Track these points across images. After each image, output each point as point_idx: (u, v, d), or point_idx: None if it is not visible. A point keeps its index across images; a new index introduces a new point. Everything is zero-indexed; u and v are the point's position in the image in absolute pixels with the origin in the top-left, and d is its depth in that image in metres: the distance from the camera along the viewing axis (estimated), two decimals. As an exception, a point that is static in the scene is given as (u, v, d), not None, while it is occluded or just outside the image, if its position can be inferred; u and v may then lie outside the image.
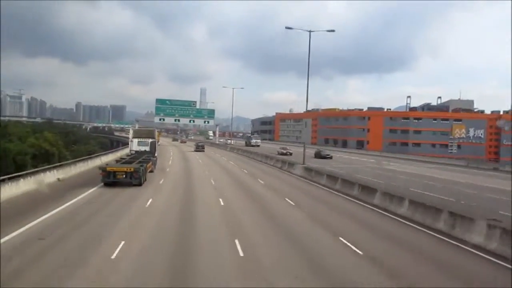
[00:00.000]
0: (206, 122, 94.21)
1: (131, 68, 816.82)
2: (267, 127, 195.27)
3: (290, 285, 10.97)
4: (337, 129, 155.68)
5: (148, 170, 31.11)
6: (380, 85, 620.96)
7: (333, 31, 47.10)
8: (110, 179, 25.99)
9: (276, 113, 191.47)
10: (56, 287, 10.05)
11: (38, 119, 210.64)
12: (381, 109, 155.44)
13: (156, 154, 40.08)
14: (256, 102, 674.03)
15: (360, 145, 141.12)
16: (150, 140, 40.26)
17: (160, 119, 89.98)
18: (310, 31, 42.06)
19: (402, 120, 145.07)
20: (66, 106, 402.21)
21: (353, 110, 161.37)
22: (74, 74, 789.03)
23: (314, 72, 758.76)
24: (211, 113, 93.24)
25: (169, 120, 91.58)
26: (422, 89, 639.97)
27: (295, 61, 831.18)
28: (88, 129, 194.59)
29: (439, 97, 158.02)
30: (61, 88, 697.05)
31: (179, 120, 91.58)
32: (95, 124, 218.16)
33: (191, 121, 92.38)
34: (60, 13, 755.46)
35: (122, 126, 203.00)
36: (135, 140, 40.17)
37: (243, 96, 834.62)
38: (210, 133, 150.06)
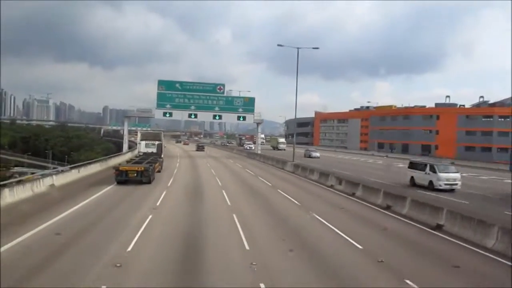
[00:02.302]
0: (241, 119, 51.76)
1: (158, 72, 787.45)
2: (304, 129, 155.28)
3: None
4: (395, 130, 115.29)
5: (156, 170, 30.21)
6: (409, 86, 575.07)
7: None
8: (123, 177, 25.67)
9: (316, 112, 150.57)
10: (62, 287, 9.12)
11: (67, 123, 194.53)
12: (453, 105, 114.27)
13: (162, 156, 38.01)
14: (280, 105, 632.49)
15: (426, 150, 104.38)
16: (157, 142, 39.09)
17: (165, 114, 50.64)
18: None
19: (483, 120, 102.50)
20: (93, 110, 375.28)
21: (413, 107, 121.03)
22: (102, 79, 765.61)
23: (337, 74, 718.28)
24: (249, 103, 51.86)
25: (180, 115, 51.98)
26: (455, 90, 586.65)
27: (319, 62, 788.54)
28: (102, 132, 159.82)
29: (481, 97, 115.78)
30: (90, 93, 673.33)
31: (195, 116, 51.18)
32: (110, 127, 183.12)
33: (216, 117, 51.59)
34: (88, 18, 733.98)
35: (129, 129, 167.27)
36: (143, 143, 39.37)
37: (267, 98, 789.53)
38: (281, 139, 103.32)
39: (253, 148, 75.43)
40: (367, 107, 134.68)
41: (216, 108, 50.95)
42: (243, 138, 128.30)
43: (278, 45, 41.97)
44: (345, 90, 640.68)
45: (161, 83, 50.02)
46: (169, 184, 27.02)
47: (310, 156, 61.57)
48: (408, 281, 9.89)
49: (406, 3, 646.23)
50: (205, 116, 53.00)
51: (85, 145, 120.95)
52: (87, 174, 30.35)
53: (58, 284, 9.22)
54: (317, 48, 45.48)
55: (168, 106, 49.58)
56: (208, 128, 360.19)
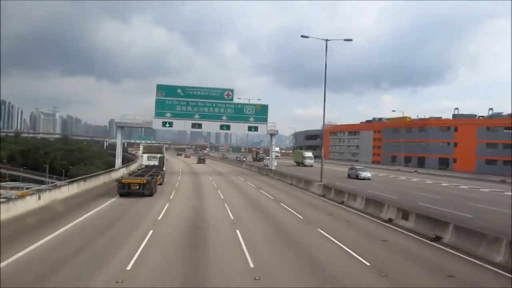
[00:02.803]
0: (252, 129, 44.13)
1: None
2: (313, 142, 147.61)
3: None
4: (410, 143, 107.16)
5: (158, 183, 29.87)
6: (415, 99, 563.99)
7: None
8: (125, 189, 25.38)
9: (326, 125, 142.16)
10: (67, 287, 9.19)
11: (69, 136, 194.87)
12: (471, 116, 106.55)
13: (164, 168, 37.51)
14: (287, 118, 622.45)
15: (444, 164, 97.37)
16: (159, 155, 38.78)
17: (165, 124, 42.85)
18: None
19: (505, 131, 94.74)
20: (100, 123, 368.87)
21: (429, 119, 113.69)
22: (108, 92, 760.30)
23: (344, 87, 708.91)
24: (261, 111, 44.13)
25: (182, 125, 43.63)
26: (461, 102, 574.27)
27: (328, 75, 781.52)
28: (105, 145, 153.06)
29: (491, 109, 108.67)
30: (96, 106, 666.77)
31: (200, 126, 43.55)
32: (114, 140, 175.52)
33: (224, 127, 43.93)
34: (95, 32, 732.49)
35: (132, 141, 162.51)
36: (145, 156, 39.00)
37: (274, 111, 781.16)
38: (308, 153, 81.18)
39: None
40: (379, 119, 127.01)
41: (224, 117, 43.09)
42: (261, 152, 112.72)
43: (302, 36, 34.03)
44: (352, 103, 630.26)
45: (160, 88, 42.34)
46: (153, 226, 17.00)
47: (358, 177, 45.35)
48: None
49: (412, 15, 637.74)
50: (211, 127, 44.82)
51: (86, 158, 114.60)
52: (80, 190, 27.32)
53: None
54: (350, 40, 35.00)
55: (168, 114, 41.93)
56: (213, 140, 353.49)
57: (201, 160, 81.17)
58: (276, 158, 63.74)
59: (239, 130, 46.25)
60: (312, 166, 70.56)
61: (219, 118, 43.36)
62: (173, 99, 42.51)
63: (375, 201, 21.71)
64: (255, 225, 17.81)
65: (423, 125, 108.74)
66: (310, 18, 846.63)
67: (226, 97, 43.29)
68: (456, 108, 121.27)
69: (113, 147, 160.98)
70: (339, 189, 28.16)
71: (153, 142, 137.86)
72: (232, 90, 44.13)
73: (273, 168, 49.59)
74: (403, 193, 31.45)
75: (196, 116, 42.47)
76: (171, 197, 26.79)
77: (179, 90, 42.70)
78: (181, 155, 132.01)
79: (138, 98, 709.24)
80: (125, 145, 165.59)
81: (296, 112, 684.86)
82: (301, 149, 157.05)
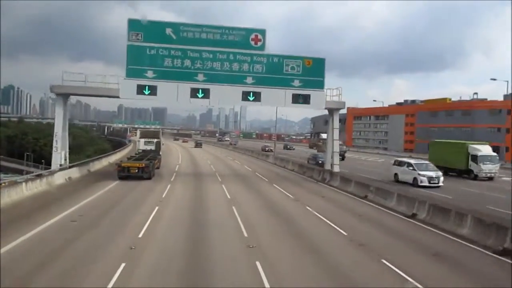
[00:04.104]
0: (300, 100, 23.04)
1: None
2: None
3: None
4: (451, 128, 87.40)
5: (155, 167, 28.78)
6: (428, 84, 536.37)
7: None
8: (125, 173, 24.66)
9: (348, 108, 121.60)
10: (67, 287, 8.54)
11: (77, 121, 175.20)
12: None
13: (160, 153, 36.19)
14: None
15: (494, 152, 74.24)
16: (155, 140, 37.64)
17: (143, 89, 22.04)
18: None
19: None
20: (109, 109, 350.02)
21: (473, 100, 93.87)
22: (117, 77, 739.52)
23: (353, 72, 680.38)
24: (313, 69, 23.42)
25: (173, 94, 22.23)
26: (475, 88, 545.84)
27: (336, 60, 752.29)
28: (106, 130, 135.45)
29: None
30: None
31: (205, 94, 22.46)
32: (114, 125, 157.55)
33: (249, 97, 22.86)
34: (104, 17, 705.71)
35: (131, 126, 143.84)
36: (142, 140, 37.96)
37: None
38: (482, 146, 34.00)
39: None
40: (413, 101, 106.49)
41: (249, 79, 23.24)
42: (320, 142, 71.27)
43: None
44: (361, 88, 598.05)
45: (133, 26, 22.37)
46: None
47: (426, 184, 24.81)
48: None
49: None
50: (225, 96, 23.64)
51: (82, 144, 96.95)
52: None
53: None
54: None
55: (149, 73, 22.11)
56: (223, 126, 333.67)
57: (198, 145, 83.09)
58: (344, 151, 43.38)
59: (275, 100, 24.39)
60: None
61: (240, 81, 23.31)
62: (159, 46, 22.50)
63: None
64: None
65: (468, 108, 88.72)
66: (319, 4, 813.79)
67: (253, 43, 23.31)
68: (475, 93, 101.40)
69: (113, 132, 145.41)
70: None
71: (158, 127, 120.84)
72: (263, 32, 23.50)
73: (336, 169, 27.17)
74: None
75: (200, 76, 22.65)
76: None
77: (169, 31, 22.28)
78: (178, 139, 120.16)
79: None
80: (123, 130, 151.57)
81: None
82: (318, 135, 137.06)
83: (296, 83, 23.58)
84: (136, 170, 24.57)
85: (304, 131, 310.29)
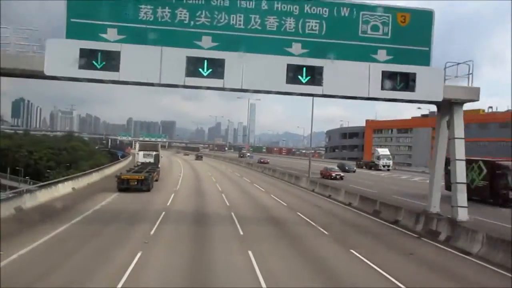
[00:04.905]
0: (398, 83, 11.86)
1: None
2: (351, 142, 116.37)
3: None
4: (485, 143, 76.22)
5: (154, 179, 28.29)
6: None
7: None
8: (124, 185, 24.44)
9: (367, 121, 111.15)
10: (70, 287, 8.39)
11: (85, 134, 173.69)
12: None
13: (159, 165, 35.99)
14: (305, 119, 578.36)
15: None
16: (154, 153, 37.52)
17: (94, 62, 10.96)
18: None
19: None
20: (119, 122, 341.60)
21: (509, 111, 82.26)
22: (128, 91, 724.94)
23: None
24: (413, 30, 12.60)
25: (154, 71, 11.29)
26: (487, 100, 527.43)
27: None
28: (110, 143, 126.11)
29: None
30: (115, 105, 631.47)
31: (219, 65, 11.39)
32: (120, 138, 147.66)
33: (302, 77, 11.63)
34: None
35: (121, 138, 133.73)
36: (141, 153, 37.54)
37: (291, 111, 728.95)
38: None
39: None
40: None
41: (296, 48, 12.11)
42: (379, 152, 60.66)
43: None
44: (368, 102, 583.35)
45: None
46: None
47: None
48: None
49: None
50: (254, 74, 12.05)
51: (80, 158, 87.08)
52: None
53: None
54: None
55: (110, 33, 11.31)
56: (231, 140, 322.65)
57: (198, 157, 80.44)
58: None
59: (348, 83, 12.38)
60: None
61: (280, 49, 12.18)
62: None
63: None
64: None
65: (503, 120, 77.18)
66: None
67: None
68: (490, 107, 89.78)
69: (119, 145, 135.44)
70: None
71: (164, 140, 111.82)
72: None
73: (462, 216, 14.96)
74: None
75: (206, 40, 11.78)
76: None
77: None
78: (179, 153, 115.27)
79: (158, 96, 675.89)
80: (127, 143, 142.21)
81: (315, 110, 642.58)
82: (336, 150, 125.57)
83: (382, 55, 12.46)
84: (136, 182, 24.41)
85: (312, 145, 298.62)
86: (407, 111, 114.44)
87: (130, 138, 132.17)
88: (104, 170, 37.33)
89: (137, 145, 41.24)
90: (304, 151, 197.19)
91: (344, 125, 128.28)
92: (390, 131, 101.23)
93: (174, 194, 24.46)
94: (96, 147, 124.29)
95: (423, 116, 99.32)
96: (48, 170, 71.00)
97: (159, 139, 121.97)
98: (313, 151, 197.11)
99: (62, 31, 11.48)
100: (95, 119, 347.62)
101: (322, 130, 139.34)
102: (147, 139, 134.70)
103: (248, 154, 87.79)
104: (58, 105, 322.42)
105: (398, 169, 71.57)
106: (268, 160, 68.12)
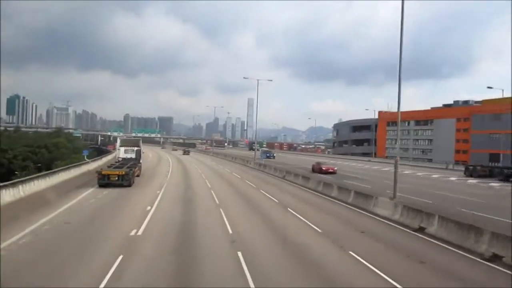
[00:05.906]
0: None
1: (180, 80, 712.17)
2: (362, 135, 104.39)
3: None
4: (502, 135, 63.83)
5: (135, 175, 27.74)
6: (437, 91, 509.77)
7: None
8: (105, 181, 23.76)
9: (380, 113, 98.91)
10: (61, 286, 8.17)
11: (80, 130, 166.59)
12: None
13: (141, 161, 34.66)
14: (303, 113, 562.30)
15: None
16: (136, 148, 36.42)
17: None
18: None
19: None
20: (115, 118, 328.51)
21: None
22: (124, 87, 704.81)
23: (361, 80, 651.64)
24: None
25: None
26: (482, 95, 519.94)
27: (343, 69, 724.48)
28: (100, 139, 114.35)
29: None
30: (112, 101, 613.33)
31: None
32: (112, 134, 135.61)
33: None
34: (111, 26, 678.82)
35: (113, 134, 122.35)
36: (122, 149, 36.60)
37: (289, 106, 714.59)
38: None
39: None
40: (465, 102, 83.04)
41: None
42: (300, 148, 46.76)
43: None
44: (368, 96, 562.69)
45: None
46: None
47: None
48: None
49: (433, 5, 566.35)
50: None
51: (55, 157, 74.29)
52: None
53: None
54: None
55: None
56: (229, 135, 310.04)
57: (186, 152, 78.28)
58: None
59: None
60: None
61: None
62: None
63: None
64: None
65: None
66: (326, 10, 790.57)
67: None
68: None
69: (104, 141, 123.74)
70: None
71: (158, 135, 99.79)
72: None
73: None
74: None
75: None
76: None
77: None
78: (164, 148, 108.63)
79: (154, 93, 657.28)
80: (111, 138, 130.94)
81: (310, 106, 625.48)
82: (344, 144, 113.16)
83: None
84: (116, 178, 23.89)
85: (311, 140, 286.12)
86: (414, 105, 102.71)
87: (122, 134, 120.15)
88: (69, 171, 28.44)
89: (118, 141, 40.11)
90: (303, 145, 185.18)
91: (343, 119, 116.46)
92: (407, 123, 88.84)
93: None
94: (88, 143, 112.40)
95: (445, 106, 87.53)
96: (16, 172, 58.66)
97: (153, 135, 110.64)
98: (303, 145, 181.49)
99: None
100: (91, 115, 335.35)
101: (321, 125, 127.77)
102: (139, 134, 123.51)
103: (259, 149, 67.37)
104: (54, 102, 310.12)
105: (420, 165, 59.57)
106: (336, 168, 39.34)
